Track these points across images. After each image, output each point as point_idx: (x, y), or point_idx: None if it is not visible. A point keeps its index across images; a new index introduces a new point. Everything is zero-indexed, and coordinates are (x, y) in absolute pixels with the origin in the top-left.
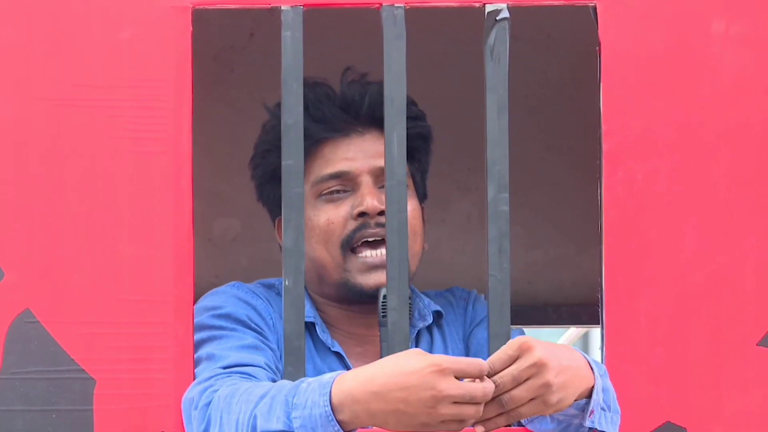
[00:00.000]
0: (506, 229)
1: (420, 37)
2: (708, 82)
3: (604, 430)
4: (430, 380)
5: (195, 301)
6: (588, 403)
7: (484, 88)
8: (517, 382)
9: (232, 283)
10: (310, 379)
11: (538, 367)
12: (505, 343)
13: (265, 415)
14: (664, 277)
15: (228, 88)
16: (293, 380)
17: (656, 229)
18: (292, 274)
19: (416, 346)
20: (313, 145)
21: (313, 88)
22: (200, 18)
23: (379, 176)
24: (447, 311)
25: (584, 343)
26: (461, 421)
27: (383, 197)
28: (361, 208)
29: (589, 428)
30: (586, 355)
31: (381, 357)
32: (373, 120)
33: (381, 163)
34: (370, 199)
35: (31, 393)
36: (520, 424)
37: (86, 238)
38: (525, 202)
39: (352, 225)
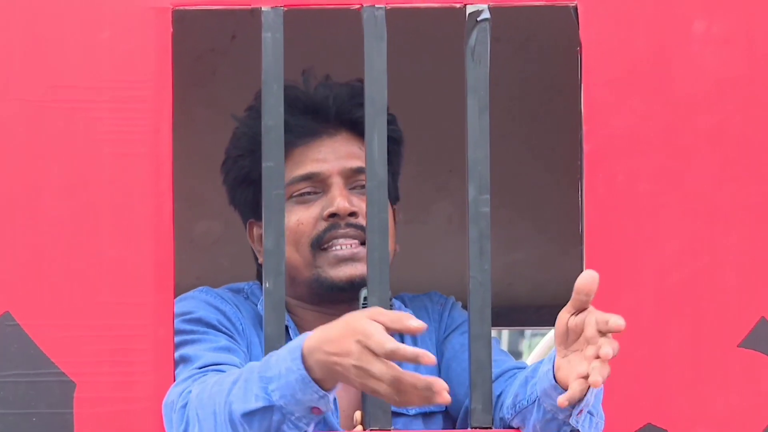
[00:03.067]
0: (487, 231)
1: (401, 38)
2: (689, 83)
3: None
4: (361, 324)
5: None
6: (580, 401)
7: (464, 89)
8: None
9: (201, 288)
10: (278, 351)
11: None
12: (486, 346)
13: (242, 398)
14: (645, 277)
15: (210, 89)
16: None
17: (637, 229)
18: (272, 275)
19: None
20: (286, 144)
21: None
22: (181, 19)
23: (349, 177)
24: (421, 315)
25: None
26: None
27: (354, 199)
28: (331, 209)
29: (569, 430)
30: None
31: None
32: (343, 121)
33: (352, 164)
34: (341, 200)
35: (10, 396)
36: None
37: (66, 241)
38: (506, 203)
39: (322, 225)
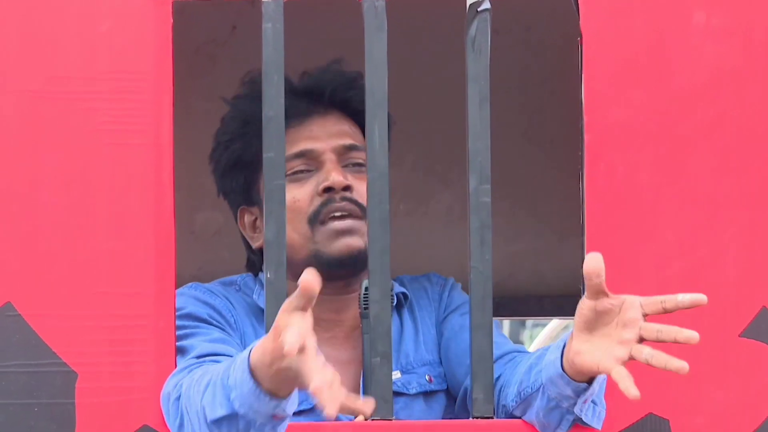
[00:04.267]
0: (488, 221)
1: (401, 29)
2: (689, 74)
3: (588, 422)
4: (276, 324)
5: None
6: (586, 390)
7: (465, 80)
8: None
9: (190, 284)
10: (240, 354)
11: None
12: (487, 336)
13: (210, 404)
14: (646, 268)
15: (210, 81)
16: None
17: (637, 220)
18: (273, 266)
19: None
20: None
21: None
22: (181, 10)
23: (342, 154)
24: (420, 296)
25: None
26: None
27: (348, 174)
28: (326, 183)
29: (572, 419)
30: None
31: (364, 350)
32: (334, 102)
33: (344, 141)
34: (336, 175)
35: (12, 386)
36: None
37: (67, 232)
38: (507, 193)
39: (318, 201)
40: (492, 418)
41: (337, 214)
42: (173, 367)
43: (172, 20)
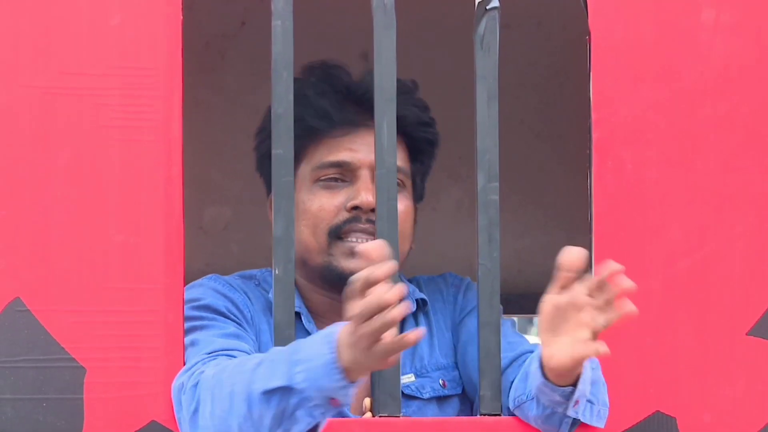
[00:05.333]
0: (496, 218)
1: (410, 27)
2: (697, 71)
3: (588, 422)
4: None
5: None
6: (573, 392)
7: (474, 77)
8: None
9: (210, 275)
10: (311, 336)
11: None
12: (495, 333)
13: (265, 377)
14: (653, 265)
15: (219, 75)
16: None
17: (645, 217)
18: (282, 262)
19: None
20: (316, 136)
21: (330, 76)
22: (191, 6)
23: None
24: (436, 298)
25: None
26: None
27: None
28: (355, 202)
29: (573, 419)
30: None
31: None
32: None
33: None
34: (366, 194)
35: (21, 381)
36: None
37: (77, 227)
38: (515, 190)
39: (343, 216)
40: (500, 415)
41: (358, 234)
42: (182, 362)
43: (182, 16)
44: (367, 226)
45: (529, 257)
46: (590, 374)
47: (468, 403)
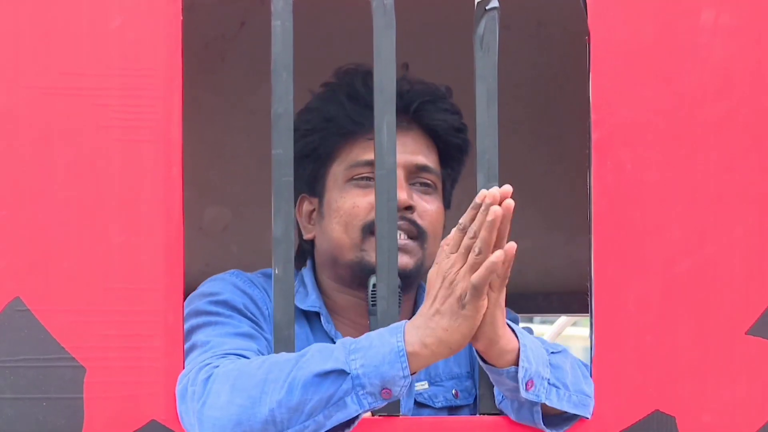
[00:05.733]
0: None
1: (410, 26)
2: (697, 72)
3: (559, 407)
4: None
5: (185, 290)
6: (517, 371)
7: (473, 77)
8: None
9: (232, 270)
10: (375, 331)
11: None
12: None
13: (318, 361)
14: (653, 265)
15: (219, 76)
16: None
17: (645, 217)
18: (281, 263)
19: None
20: (348, 137)
21: (365, 78)
22: (191, 7)
23: (413, 173)
24: None
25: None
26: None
27: (413, 194)
28: None
29: (539, 408)
30: (519, 329)
31: None
32: (418, 119)
33: (418, 160)
34: (401, 192)
35: (21, 381)
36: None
37: (76, 227)
38: (514, 191)
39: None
40: (498, 414)
41: (403, 231)
42: (182, 362)
43: (182, 17)
44: (402, 223)
45: (529, 258)
46: (543, 355)
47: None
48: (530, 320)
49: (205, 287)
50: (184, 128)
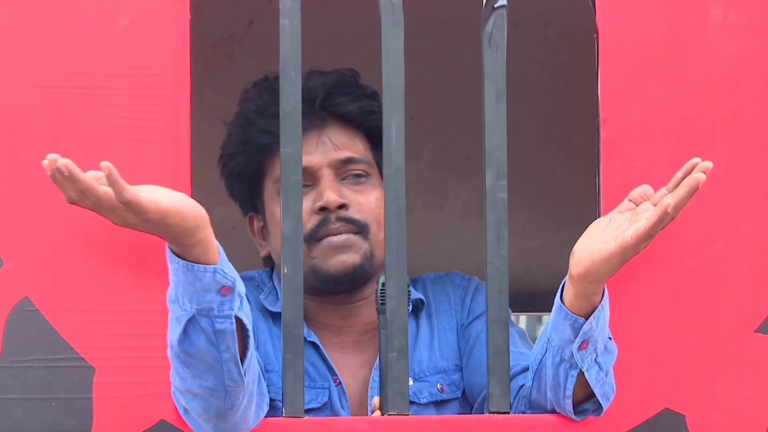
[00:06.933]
0: (504, 217)
1: (418, 25)
2: (706, 70)
3: (592, 385)
4: None
5: None
6: (584, 325)
7: (482, 76)
8: None
9: None
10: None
11: None
12: (504, 331)
13: (170, 334)
14: (662, 263)
15: (227, 76)
16: (293, 368)
17: None
18: (290, 261)
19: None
20: (269, 152)
21: (269, 90)
22: (199, 6)
23: (339, 168)
24: (441, 299)
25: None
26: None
27: (344, 190)
28: (320, 203)
29: (576, 374)
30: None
31: (380, 345)
32: (330, 112)
33: (340, 155)
34: (330, 193)
35: (30, 381)
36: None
37: (85, 227)
38: (523, 189)
39: (314, 219)
40: (508, 413)
41: (332, 237)
42: None
43: (190, 16)
44: (338, 225)
45: (538, 256)
46: (606, 331)
47: (468, 408)
48: (539, 320)
49: None
50: (192, 128)
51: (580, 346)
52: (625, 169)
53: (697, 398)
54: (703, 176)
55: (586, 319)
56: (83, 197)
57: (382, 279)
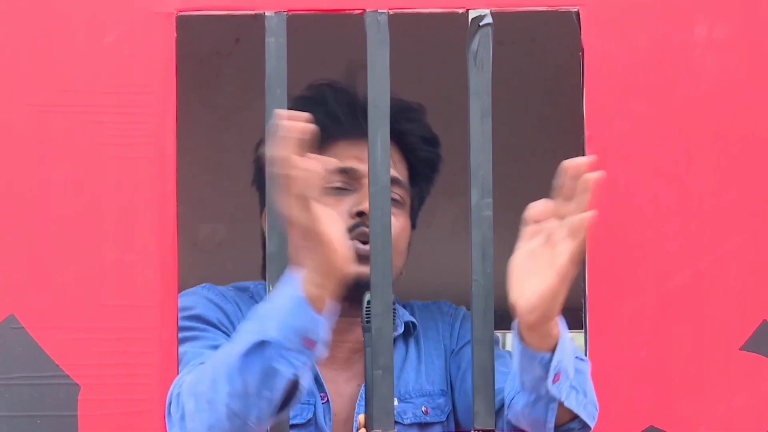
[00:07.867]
0: (490, 234)
1: (404, 43)
2: (691, 87)
3: (575, 410)
4: None
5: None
6: (551, 359)
7: (467, 93)
8: None
9: (204, 284)
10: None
11: None
12: (489, 349)
13: (237, 344)
14: (647, 280)
15: (214, 93)
16: None
17: (639, 232)
18: (275, 280)
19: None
20: (326, 141)
21: (335, 90)
22: (185, 24)
23: None
24: (429, 326)
25: None
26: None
27: None
28: (360, 208)
29: (556, 406)
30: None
31: (366, 363)
32: (397, 129)
33: (391, 173)
34: (365, 200)
35: (15, 399)
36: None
37: (71, 244)
38: (510, 205)
39: (349, 222)
40: (493, 431)
41: (363, 239)
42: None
43: (176, 34)
44: (365, 229)
45: None
46: (572, 355)
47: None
48: None
49: (179, 301)
50: (178, 145)
51: (553, 380)
52: (611, 185)
53: (681, 416)
54: (595, 175)
55: (553, 353)
56: (296, 162)
57: (367, 297)
